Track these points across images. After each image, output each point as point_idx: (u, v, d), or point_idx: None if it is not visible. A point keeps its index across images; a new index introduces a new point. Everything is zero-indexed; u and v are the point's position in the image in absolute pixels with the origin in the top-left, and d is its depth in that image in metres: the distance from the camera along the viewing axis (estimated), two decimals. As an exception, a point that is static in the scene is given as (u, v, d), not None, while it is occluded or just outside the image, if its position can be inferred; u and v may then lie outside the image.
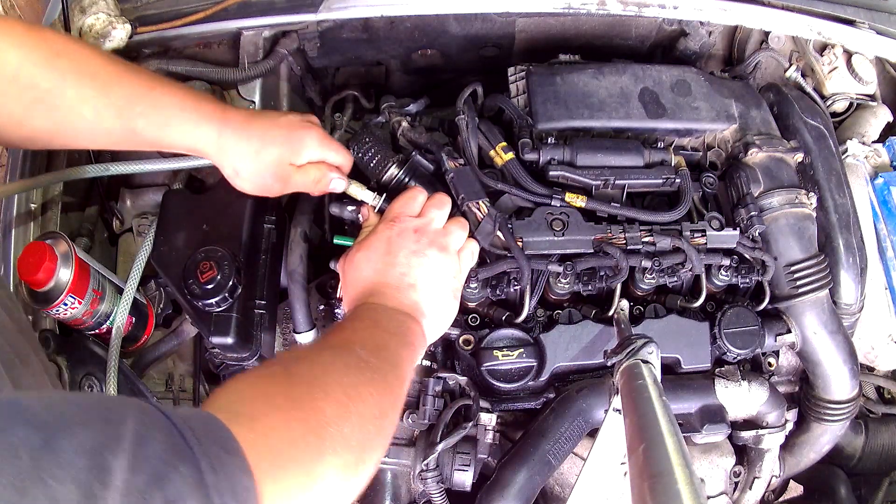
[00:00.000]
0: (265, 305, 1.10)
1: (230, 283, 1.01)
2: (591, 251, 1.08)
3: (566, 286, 1.08)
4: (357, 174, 1.16)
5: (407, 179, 1.09)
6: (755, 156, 1.19)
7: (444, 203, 1.03)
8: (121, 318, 1.10)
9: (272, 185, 0.99)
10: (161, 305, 1.23)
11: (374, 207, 1.07)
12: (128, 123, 0.91)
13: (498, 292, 1.07)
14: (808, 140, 1.24)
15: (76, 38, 0.95)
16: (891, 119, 1.40)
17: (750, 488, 1.24)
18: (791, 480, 1.42)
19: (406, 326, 0.90)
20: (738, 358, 1.14)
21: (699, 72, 1.24)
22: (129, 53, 1.27)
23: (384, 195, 1.07)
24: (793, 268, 1.16)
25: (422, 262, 0.95)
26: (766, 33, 1.41)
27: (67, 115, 0.89)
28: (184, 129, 0.93)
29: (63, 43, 0.90)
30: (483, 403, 1.08)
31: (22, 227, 1.14)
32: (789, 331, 1.17)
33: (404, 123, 1.21)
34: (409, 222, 0.98)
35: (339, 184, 1.04)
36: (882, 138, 1.39)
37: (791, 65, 1.42)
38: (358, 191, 1.07)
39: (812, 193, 1.19)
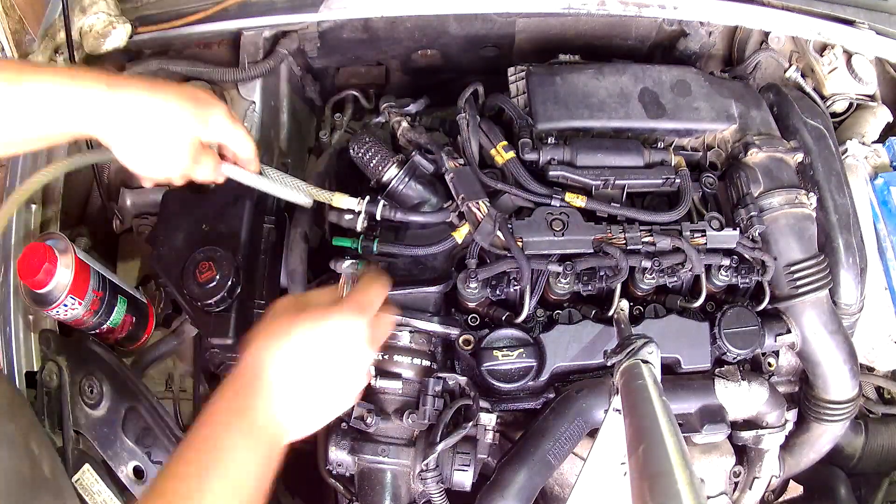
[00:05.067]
0: (265, 305, 1.10)
1: (229, 282, 1.01)
2: (591, 251, 1.08)
3: (566, 286, 1.08)
4: (357, 174, 1.16)
5: (407, 179, 1.09)
6: (755, 156, 1.19)
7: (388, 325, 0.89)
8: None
9: (170, 168, 0.90)
10: (161, 305, 1.23)
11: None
12: (3, 124, 0.81)
13: (498, 292, 1.07)
14: (808, 140, 1.24)
15: None
16: (891, 119, 1.40)
17: (750, 488, 1.24)
18: (791, 480, 1.42)
19: (269, 474, 0.74)
20: (738, 358, 1.14)
21: (699, 72, 1.24)
22: (129, 53, 1.28)
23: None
24: (793, 268, 1.16)
25: (340, 381, 0.80)
26: (766, 33, 1.41)
27: None
28: (63, 110, 0.82)
29: None
30: (483, 403, 1.08)
31: (22, 227, 1.14)
32: (789, 331, 1.17)
33: (404, 123, 1.21)
34: (365, 330, 0.80)
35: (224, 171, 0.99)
36: (882, 138, 1.39)
37: (791, 65, 1.42)
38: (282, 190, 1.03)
39: (812, 193, 1.19)
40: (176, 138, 0.88)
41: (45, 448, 0.98)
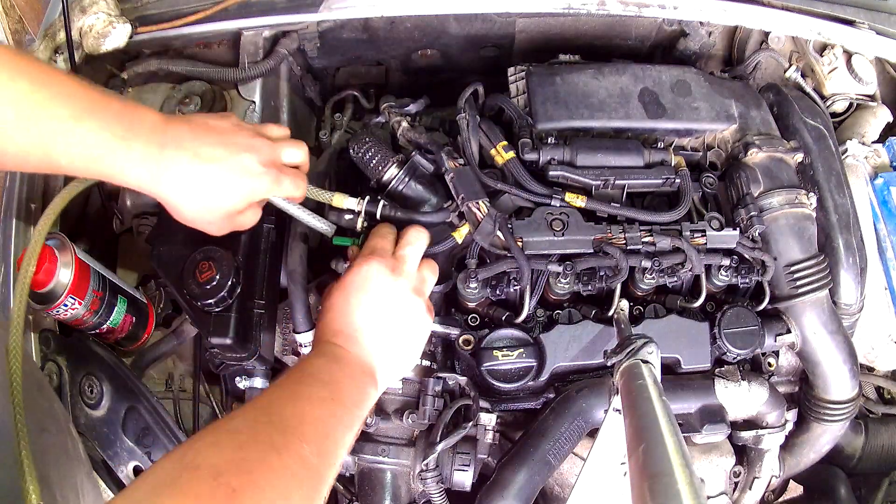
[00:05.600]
0: (265, 305, 1.10)
1: (229, 282, 1.01)
2: (591, 251, 1.08)
3: (566, 286, 1.08)
4: (357, 174, 1.16)
5: (407, 179, 1.09)
6: (755, 156, 1.19)
7: (419, 238, 1.00)
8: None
9: (214, 229, 0.95)
10: (161, 305, 1.23)
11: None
12: (51, 160, 0.81)
13: (498, 292, 1.07)
14: (808, 140, 1.24)
15: (8, 51, 0.79)
16: (891, 119, 1.40)
17: (750, 488, 1.24)
18: (791, 480, 1.42)
19: (363, 394, 0.87)
20: (738, 358, 1.14)
21: (699, 72, 1.24)
22: (129, 53, 1.28)
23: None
24: (793, 268, 1.16)
25: (395, 311, 0.93)
26: (766, 33, 1.41)
27: None
28: (113, 170, 0.83)
29: None
30: (483, 403, 1.08)
31: (22, 227, 1.14)
32: (789, 331, 1.17)
33: (404, 123, 1.21)
34: (386, 260, 0.95)
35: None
36: (882, 138, 1.39)
37: (791, 65, 1.42)
38: (316, 223, 1.06)
39: (812, 193, 1.19)
40: (213, 210, 0.90)
41: (76, 434, 1.00)
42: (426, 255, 1.02)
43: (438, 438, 1.03)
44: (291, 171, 0.98)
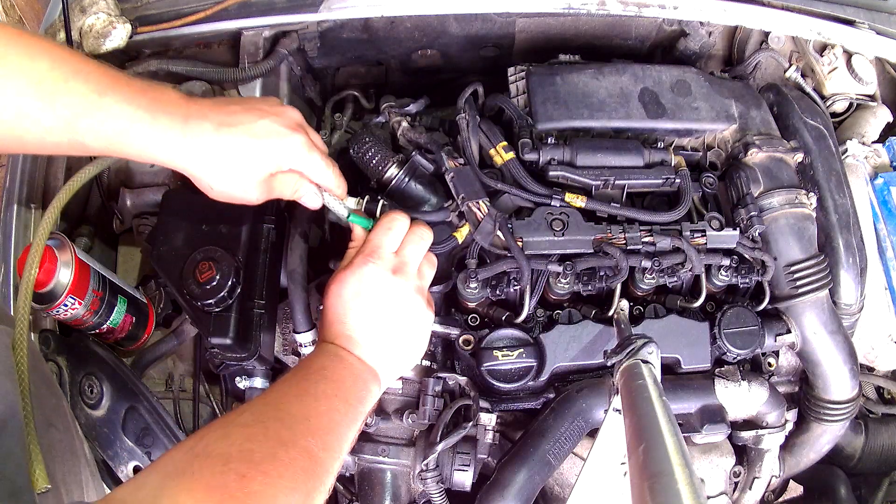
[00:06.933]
0: (265, 305, 1.10)
1: (229, 283, 1.01)
2: (591, 251, 1.08)
3: (566, 286, 1.08)
4: (357, 174, 1.16)
5: (407, 179, 1.09)
6: (755, 156, 1.19)
7: (423, 237, 0.98)
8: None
9: (251, 197, 0.91)
10: (161, 305, 1.23)
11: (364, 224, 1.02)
12: (75, 137, 0.80)
13: (498, 292, 1.07)
14: (808, 140, 1.24)
15: (25, 34, 0.80)
16: (890, 119, 1.40)
17: (750, 488, 1.24)
18: (791, 480, 1.42)
19: (366, 391, 0.89)
20: (738, 358, 1.14)
21: (699, 72, 1.24)
22: (129, 53, 1.28)
23: (349, 214, 1.00)
24: (793, 268, 1.16)
25: (396, 312, 0.93)
26: (766, 33, 1.41)
27: (12, 127, 0.79)
28: (139, 144, 0.82)
29: (6, 41, 0.77)
30: (483, 403, 1.08)
31: (22, 227, 1.14)
32: (789, 331, 1.17)
33: (404, 123, 1.21)
34: (386, 261, 0.93)
35: (313, 200, 0.97)
36: (882, 138, 1.39)
37: (791, 65, 1.42)
38: (335, 204, 1.00)
39: (812, 193, 1.19)
40: (244, 176, 0.88)
41: (82, 434, 1.01)
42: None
43: (438, 438, 1.03)
44: (322, 150, 0.96)
